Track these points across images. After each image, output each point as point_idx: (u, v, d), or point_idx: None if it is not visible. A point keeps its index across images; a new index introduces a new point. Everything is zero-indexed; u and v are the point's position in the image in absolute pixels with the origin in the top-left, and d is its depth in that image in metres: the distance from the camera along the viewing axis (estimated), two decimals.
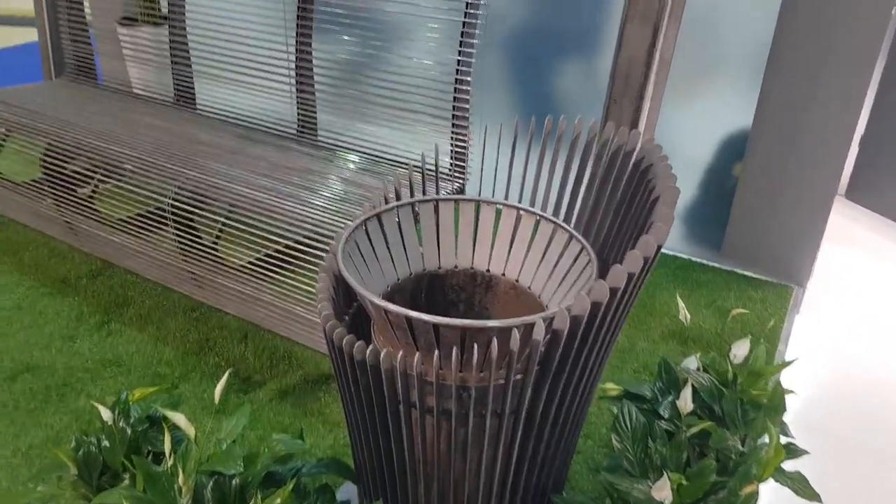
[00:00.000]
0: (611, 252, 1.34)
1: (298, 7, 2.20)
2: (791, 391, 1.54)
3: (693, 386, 1.47)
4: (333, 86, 2.26)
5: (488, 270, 1.41)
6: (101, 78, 2.86)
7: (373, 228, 1.32)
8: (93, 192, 2.33)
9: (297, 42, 2.23)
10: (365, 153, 2.20)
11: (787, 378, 1.77)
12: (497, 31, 2.76)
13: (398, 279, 1.36)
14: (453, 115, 2.03)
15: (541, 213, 1.37)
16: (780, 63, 2.33)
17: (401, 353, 1.06)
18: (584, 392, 1.23)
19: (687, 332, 2.22)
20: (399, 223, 1.36)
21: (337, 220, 1.75)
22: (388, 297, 1.34)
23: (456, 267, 1.41)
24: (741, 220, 2.61)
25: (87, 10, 2.78)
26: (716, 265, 2.66)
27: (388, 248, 1.35)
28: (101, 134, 2.22)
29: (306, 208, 1.80)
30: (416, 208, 1.39)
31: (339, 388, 1.25)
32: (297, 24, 2.21)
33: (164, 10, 2.73)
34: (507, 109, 2.91)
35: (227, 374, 1.32)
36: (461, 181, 2.07)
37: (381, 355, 1.06)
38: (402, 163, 2.14)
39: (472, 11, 1.93)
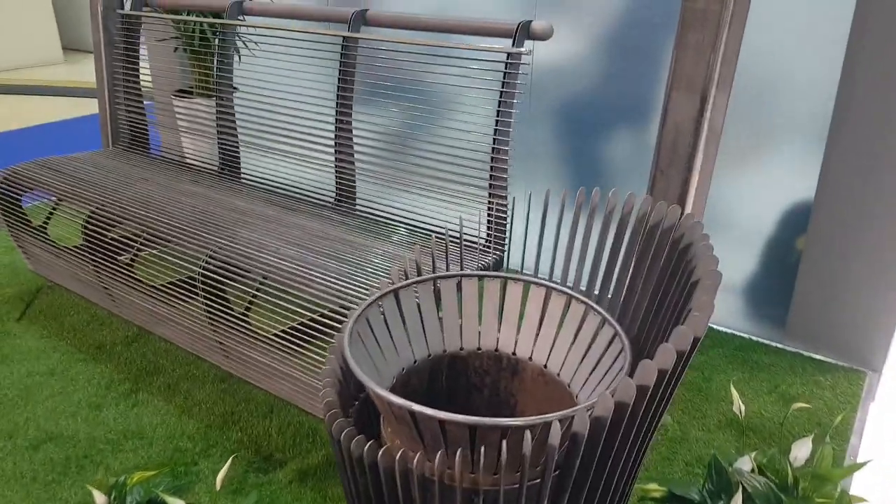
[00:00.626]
0: (647, 338, 1.22)
1: (339, 77, 2.19)
2: (863, 500, 1.34)
3: (746, 490, 1.30)
4: (373, 154, 2.23)
5: (514, 354, 1.30)
6: (155, 148, 2.93)
7: (389, 306, 1.24)
8: (132, 259, 2.34)
9: (336, 111, 2.23)
10: (404, 223, 2.14)
11: (858, 482, 1.56)
12: (545, 101, 2.71)
13: (415, 360, 1.26)
14: (490, 185, 1.95)
15: (571, 291, 1.26)
16: (844, 128, 2.18)
17: (401, 451, 0.95)
18: (614, 498, 1.09)
19: (746, 422, 2.02)
20: (418, 301, 1.27)
21: (366, 293, 1.67)
22: (404, 379, 1.24)
23: (479, 348, 1.31)
24: (807, 297, 2.41)
25: (143, 83, 2.87)
26: (779, 346, 2.45)
27: (405, 326, 1.26)
28: (141, 201, 2.24)
29: (336, 280, 1.73)
30: (437, 284, 1.30)
31: (343, 483, 1.14)
32: (337, 94, 2.21)
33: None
34: (554, 180, 2.83)
35: (230, 461, 1.23)
36: (499, 254, 1.98)
37: (380, 452, 0.96)
38: (441, 234, 2.07)
39: (509, 81, 1.87)
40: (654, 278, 1.21)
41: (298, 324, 1.81)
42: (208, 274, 1.91)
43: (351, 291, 1.68)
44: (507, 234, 1.96)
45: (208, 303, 1.94)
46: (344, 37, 2.17)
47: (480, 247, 1.97)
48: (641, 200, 1.44)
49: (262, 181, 2.49)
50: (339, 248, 1.93)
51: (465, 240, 1.99)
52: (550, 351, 1.27)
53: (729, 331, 2.54)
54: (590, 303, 1.24)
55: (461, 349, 1.30)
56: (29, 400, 2.07)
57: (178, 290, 2.06)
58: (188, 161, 2.78)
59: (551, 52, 2.60)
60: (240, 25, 2.43)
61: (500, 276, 1.30)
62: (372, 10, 2.17)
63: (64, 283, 2.57)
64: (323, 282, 1.73)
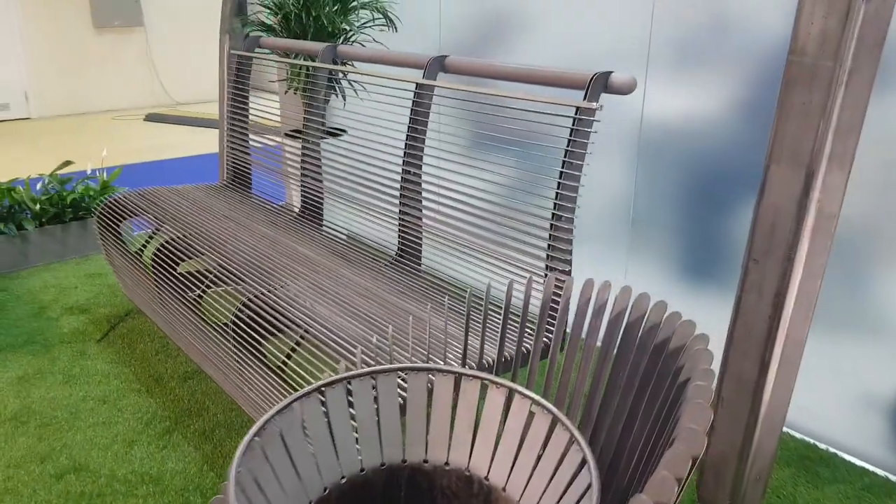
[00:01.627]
0: (631, 459, 0.91)
1: (409, 125, 2.06)
2: None
3: None
4: (437, 211, 2.06)
5: (487, 479, 1.03)
6: (258, 187, 2.97)
7: (334, 398, 1.04)
8: (199, 296, 2.33)
9: (403, 161, 2.08)
10: (462, 288, 1.93)
11: None
12: (651, 164, 2.40)
13: (362, 469, 1.04)
14: (548, 256, 1.70)
15: (557, 412, 0.99)
16: None
17: None
18: None
19: None
20: (376, 394, 1.06)
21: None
22: (346, 491, 1.02)
23: (447, 464, 1.06)
24: None
25: (255, 120, 2.93)
26: None
27: (355, 426, 1.05)
28: (205, 238, 2.23)
29: (371, 344, 1.56)
30: (405, 375, 1.08)
31: None
32: (406, 143, 2.07)
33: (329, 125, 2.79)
34: (648, 256, 2.49)
35: None
36: (546, 338, 1.71)
37: None
38: (497, 305, 1.84)
39: (577, 139, 1.62)
40: (643, 399, 0.91)
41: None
42: (238, 323, 1.81)
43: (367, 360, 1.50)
44: (561, 315, 1.68)
45: (238, 352, 1.84)
46: (417, 83, 2.03)
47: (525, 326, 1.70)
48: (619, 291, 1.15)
49: (340, 230, 2.40)
50: (386, 309, 1.76)
51: (510, 312, 1.74)
52: (528, 482, 0.99)
53: (860, 463, 2.03)
54: (570, 427, 0.96)
55: (425, 461, 1.06)
56: (74, 425, 2.08)
57: (218, 333, 1.99)
58: (280, 202, 2.77)
59: (665, 110, 2.29)
60: (327, 68, 2.39)
61: (479, 376, 1.05)
62: (452, 57, 2.02)
63: (145, 310, 2.63)
64: (344, 344, 1.56)
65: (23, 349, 2.49)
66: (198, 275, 2.24)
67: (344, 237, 2.35)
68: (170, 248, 2.25)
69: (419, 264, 2.13)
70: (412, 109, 2.03)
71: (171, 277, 2.22)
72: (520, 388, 1.00)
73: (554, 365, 1.29)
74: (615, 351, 1.12)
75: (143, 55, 7.69)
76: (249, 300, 1.84)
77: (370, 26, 3.13)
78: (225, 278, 1.98)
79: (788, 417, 2.20)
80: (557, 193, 1.65)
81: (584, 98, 1.61)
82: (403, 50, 3.22)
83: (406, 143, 2.06)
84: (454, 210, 1.95)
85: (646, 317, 1.12)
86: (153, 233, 2.59)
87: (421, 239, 2.12)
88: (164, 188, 2.81)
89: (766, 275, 1.47)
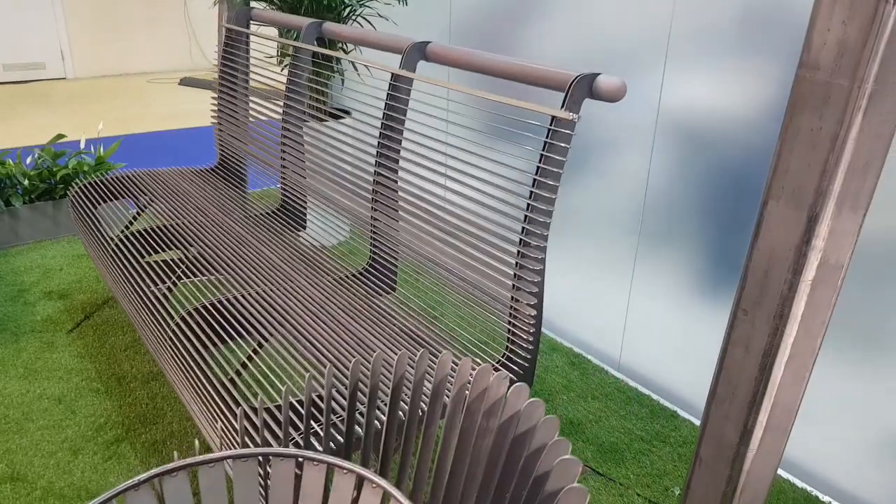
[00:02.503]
0: None
1: (382, 121, 1.85)
2: None
3: None
4: (414, 225, 1.86)
5: None
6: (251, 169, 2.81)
7: (174, 487, 0.87)
8: (164, 292, 2.19)
9: (376, 161, 1.88)
10: (433, 314, 1.74)
11: None
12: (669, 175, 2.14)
13: None
14: (514, 286, 1.49)
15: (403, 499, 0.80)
16: None
17: None
18: None
19: None
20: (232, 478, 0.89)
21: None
22: None
23: None
24: None
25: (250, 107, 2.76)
26: None
27: None
28: (179, 231, 2.08)
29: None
30: (265, 460, 0.90)
31: None
32: (379, 142, 1.86)
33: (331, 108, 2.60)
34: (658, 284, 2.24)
35: None
36: (516, 380, 1.51)
37: None
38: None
39: (550, 155, 1.40)
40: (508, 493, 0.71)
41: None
42: (184, 326, 1.66)
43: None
44: (531, 357, 1.48)
45: (184, 359, 1.69)
46: (393, 73, 1.82)
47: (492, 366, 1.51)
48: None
49: (316, 231, 2.22)
50: (321, 337, 1.59)
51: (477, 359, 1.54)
52: None
53: None
54: None
55: None
56: (23, 426, 1.98)
57: (173, 333, 1.85)
58: (274, 186, 2.61)
59: (685, 104, 2.03)
60: (312, 49, 2.19)
61: (322, 459, 0.87)
62: (434, 44, 1.80)
63: (119, 300, 2.52)
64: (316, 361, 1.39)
65: None
66: (165, 268, 2.10)
67: (317, 240, 2.17)
68: (141, 237, 2.12)
69: (393, 281, 1.94)
70: (386, 104, 1.82)
71: (137, 268, 2.09)
72: (370, 475, 0.82)
73: (410, 448, 1.08)
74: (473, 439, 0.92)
75: (182, 18, 7.60)
76: (208, 304, 1.69)
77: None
78: (187, 274, 1.83)
79: (786, 457, 1.96)
80: (526, 216, 1.43)
81: (563, 105, 1.38)
82: (410, 32, 3.00)
83: (379, 143, 1.85)
84: (425, 224, 1.75)
85: (504, 403, 0.91)
86: (131, 220, 2.47)
87: (396, 253, 1.93)
88: (149, 171, 2.67)
89: (755, 329, 1.24)
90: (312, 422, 1.34)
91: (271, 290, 1.80)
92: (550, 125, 1.39)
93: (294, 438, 1.26)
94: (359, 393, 1.36)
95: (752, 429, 1.32)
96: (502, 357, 1.55)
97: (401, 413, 1.33)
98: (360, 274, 1.94)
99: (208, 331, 1.65)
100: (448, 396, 0.98)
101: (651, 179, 2.14)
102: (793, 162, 1.12)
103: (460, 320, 1.78)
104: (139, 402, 2.11)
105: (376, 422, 1.28)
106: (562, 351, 2.45)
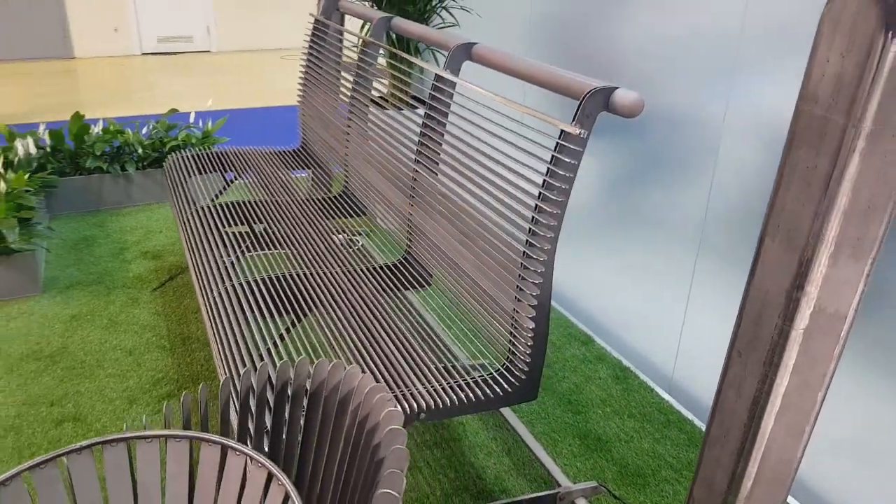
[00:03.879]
0: None
1: (423, 124, 1.87)
2: None
3: None
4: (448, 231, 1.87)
5: None
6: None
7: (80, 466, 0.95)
8: (232, 262, 2.35)
9: (414, 161, 1.91)
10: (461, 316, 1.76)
11: None
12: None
13: None
14: (516, 299, 1.47)
15: (272, 466, 0.83)
16: None
17: None
18: None
19: None
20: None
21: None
22: None
23: None
24: None
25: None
26: None
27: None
28: (257, 203, 2.22)
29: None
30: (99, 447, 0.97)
31: None
32: (419, 142, 1.88)
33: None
34: None
35: None
36: (517, 388, 1.50)
37: None
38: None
39: (556, 170, 1.36)
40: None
41: None
42: (237, 295, 1.79)
43: None
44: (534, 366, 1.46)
45: (224, 328, 1.82)
46: (436, 74, 1.83)
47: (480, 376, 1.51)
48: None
49: (360, 222, 2.29)
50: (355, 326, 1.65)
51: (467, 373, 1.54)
52: None
53: None
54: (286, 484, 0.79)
55: None
56: (93, 373, 2.21)
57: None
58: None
59: (755, 108, 1.89)
60: (378, 45, 2.24)
61: (185, 435, 0.91)
62: (480, 45, 1.79)
63: (189, 264, 2.72)
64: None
65: (89, 288, 2.68)
66: (234, 240, 2.25)
67: (362, 232, 2.24)
68: (221, 210, 2.28)
69: (422, 277, 1.97)
70: (428, 104, 1.84)
71: (210, 238, 2.26)
72: (233, 444, 0.86)
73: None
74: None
75: None
76: (259, 279, 1.81)
77: None
78: (251, 248, 1.96)
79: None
80: (530, 228, 1.41)
81: (574, 119, 1.34)
82: (490, 24, 2.97)
83: (420, 142, 1.88)
84: (449, 224, 1.76)
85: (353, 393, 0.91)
86: (218, 193, 2.65)
87: (427, 250, 1.95)
88: (239, 149, 2.85)
89: (746, 373, 1.16)
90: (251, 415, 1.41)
91: (310, 272, 1.88)
92: (559, 138, 1.35)
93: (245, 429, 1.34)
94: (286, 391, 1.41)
95: (742, 478, 1.24)
96: (501, 367, 1.54)
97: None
98: (395, 266, 1.98)
99: (252, 304, 1.76)
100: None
101: (714, 190, 2.01)
102: (788, 200, 1.03)
103: (471, 324, 1.78)
104: (195, 362, 2.28)
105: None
106: (608, 362, 2.38)
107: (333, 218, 2.29)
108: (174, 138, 3.38)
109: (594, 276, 2.59)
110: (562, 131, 1.35)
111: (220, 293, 1.82)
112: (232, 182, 2.65)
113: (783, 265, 1.05)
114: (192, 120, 3.50)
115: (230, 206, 2.32)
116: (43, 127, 3.26)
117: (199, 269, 2.19)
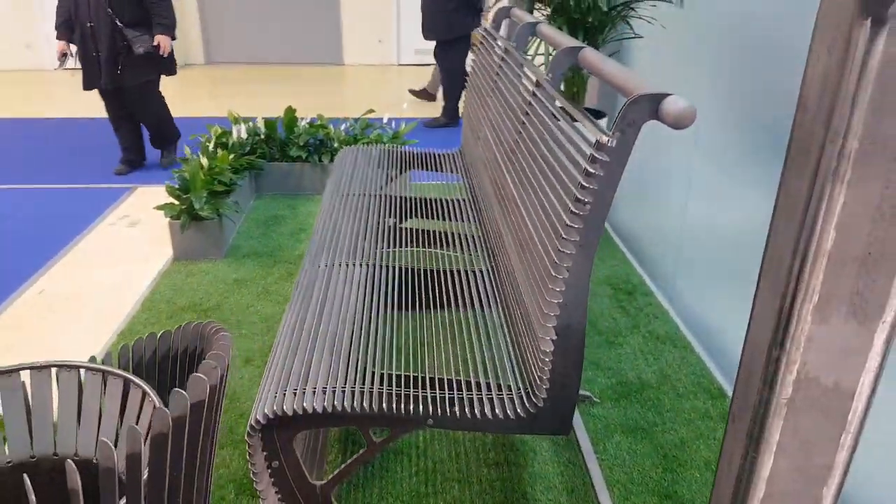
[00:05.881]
0: None
1: (517, 132, 1.80)
2: None
3: None
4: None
5: (96, 460, 0.96)
6: None
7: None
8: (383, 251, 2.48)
9: (508, 180, 1.84)
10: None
11: None
12: None
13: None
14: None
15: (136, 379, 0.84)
16: None
17: None
18: None
19: None
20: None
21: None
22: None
23: (55, 454, 1.02)
24: None
25: None
26: None
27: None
28: (406, 199, 2.34)
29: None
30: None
31: None
32: (509, 156, 1.82)
33: None
34: None
35: None
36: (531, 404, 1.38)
37: None
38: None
39: (586, 185, 1.24)
40: None
41: None
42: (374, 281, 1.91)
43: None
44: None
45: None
46: (535, 80, 1.75)
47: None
48: None
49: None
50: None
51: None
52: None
53: None
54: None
55: (32, 457, 1.03)
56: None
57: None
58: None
59: None
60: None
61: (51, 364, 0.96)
62: (587, 50, 1.68)
63: None
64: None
65: (259, 259, 3.02)
66: (388, 233, 2.38)
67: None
68: (385, 201, 2.44)
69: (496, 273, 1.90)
70: (525, 112, 1.77)
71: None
72: (114, 370, 0.90)
73: None
74: None
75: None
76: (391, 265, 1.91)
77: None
78: (398, 243, 2.08)
79: None
80: (557, 249, 1.29)
81: (613, 125, 1.20)
82: (678, 36, 2.74)
83: (509, 149, 1.82)
84: (507, 234, 1.68)
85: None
86: (381, 186, 2.82)
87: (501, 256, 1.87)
88: (406, 149, 3.00)
89: (735, 444, 0.94)
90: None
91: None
92: (593, 148, 1.22)
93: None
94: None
95: None
96: (522, 390, 1.42)
97: None
98: (479, 272, 1.94)
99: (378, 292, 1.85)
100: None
101: None
102: (780, 231, 0.82)
103: (503, 338, 1.67)
104: None
105: None
106: None
107: (461, 220, 2.30)
108: (367, 137, 3.66)
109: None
110: (596, 141, 1.22)
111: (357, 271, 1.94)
112: (393, 180, 2.78)
113: (766, 315, 0.84)
114: (385, 121, 3.76)
115: (389, 198, 2.45)
116: (260, 118, 3.74)
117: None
